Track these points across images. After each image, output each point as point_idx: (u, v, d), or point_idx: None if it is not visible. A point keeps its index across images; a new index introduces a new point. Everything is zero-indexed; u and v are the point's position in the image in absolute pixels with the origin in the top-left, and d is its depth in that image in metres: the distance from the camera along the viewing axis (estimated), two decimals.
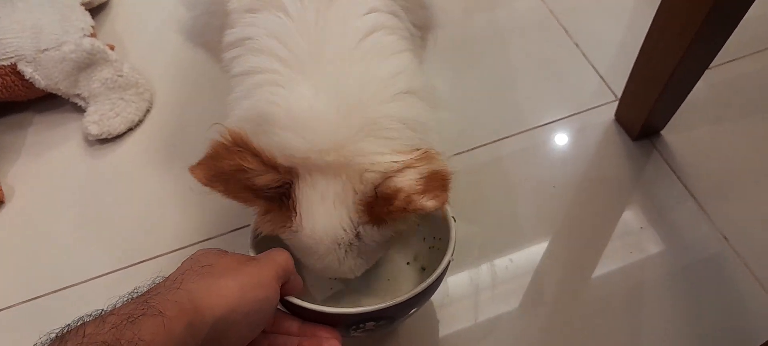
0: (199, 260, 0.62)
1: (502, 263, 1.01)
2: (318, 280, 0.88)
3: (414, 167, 0.64)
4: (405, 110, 0.69)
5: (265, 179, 0.66)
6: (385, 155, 0.66)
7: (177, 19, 0.86)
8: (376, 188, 0.65)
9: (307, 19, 0.68)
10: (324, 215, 0.68)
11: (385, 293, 0.88)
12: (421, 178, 0.63)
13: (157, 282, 0.59)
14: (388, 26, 0.72)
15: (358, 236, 0.69)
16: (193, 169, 0.65)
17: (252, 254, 0.77)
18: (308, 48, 0.68)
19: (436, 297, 0.95)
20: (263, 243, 0.79)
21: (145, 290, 0.57)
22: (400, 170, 0.64)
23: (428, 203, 0.62)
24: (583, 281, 1.00)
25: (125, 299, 0.56)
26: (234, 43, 0.73)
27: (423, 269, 0.90)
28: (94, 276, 1.01)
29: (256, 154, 0.64)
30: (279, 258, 0.66)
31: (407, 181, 0.63)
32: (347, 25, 0.69)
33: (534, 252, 1.03)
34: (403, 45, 0.74)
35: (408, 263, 0.92)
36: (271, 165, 0.65)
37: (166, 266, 1.00)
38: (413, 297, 0.72)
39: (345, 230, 0.68)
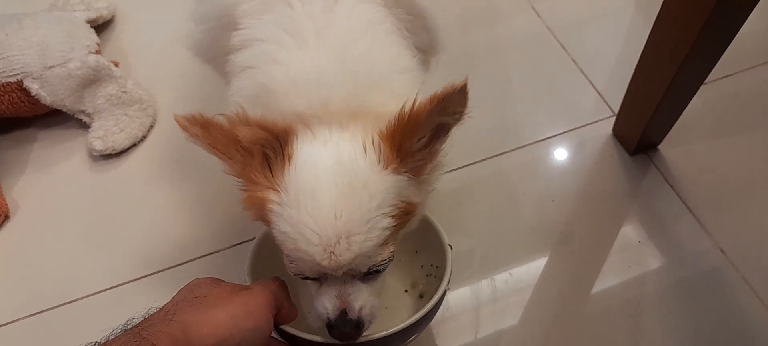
0: (192, 290, 0.63)
1: (502, 277, 1.02)
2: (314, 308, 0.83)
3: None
4: (410, 81, 0.69)
5: (249, 132, 0.62)
6: (395, 102, 0.62)
7: (185, 34, 0.87)
8: (398, 115, 0.61)
9: (313, 11, 0.70)
10: (325, 158, 0.62)
11: (383, 320, 0.86)
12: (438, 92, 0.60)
13: (150, 313, 0.60)
14: (392, 30, 0.74)
15: (364, 183, 0.61)
16: (177, 116, 0.62)
17: (248, 260, 0.77)
18: (313, 29, 0.68)
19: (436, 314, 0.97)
20: (259, 269, 0.80)
21: (139, 321, 0.58)
22: None
23: (456, 85, 0.59)
24: (583, 295, 1.01)
25: (118, 331, 0.58)
26: (240, 44, 0.73)
27: (421, 296, 0.90)
28: (98, 290, 1.02)
29: (248, 122, 0.62)
30: (272, 286, 0.66)
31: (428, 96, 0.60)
32: (352, 18, 0.71)
33: (534, 266, 1.04)
34: (404, 43, 0.75)
35: (406, 291, 0.92)
36: (260, 126, 0.62)
37: (170, 280, 1.02)
38: (410, 326, 0.71)
39: (350, 169, 0.61)
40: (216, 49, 0.81)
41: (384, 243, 0.63)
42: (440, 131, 0.65)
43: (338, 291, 0.66)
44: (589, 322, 0.98)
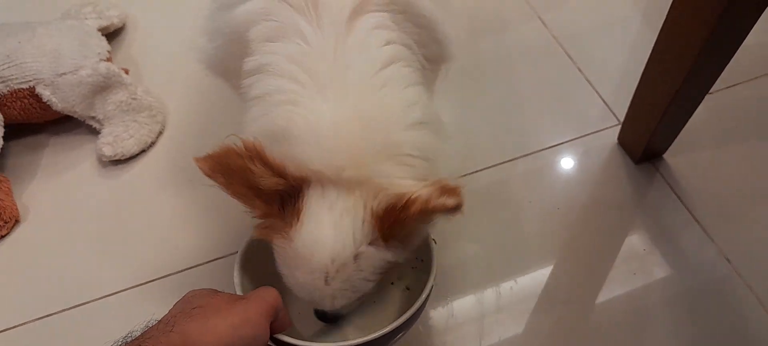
0: (190, 301, 0.64)
1: (507, 285, 1.02)
2: (305, 316, 0.87)
3: (428, 188, 0.66)
4: (420, 139, 0.71)
5: (269, 182, 0.66)
6: (403, 180, 0.68)
7: (196, 47, 0.88)
8: (392, 201, 0.66)
9: (326, 48, 0.69)
10: (327, 226, 0.67)
11: (372, 313, 0.89)
12: (436, 190, 0.65)
13: (150, 325, 0.61)
14: (404, 59, 0.74)
15: (355, 257, 0.68)
16: (197, 159, 0.66)
17: (236, 274, 0.80)
18: (328, 72, 0.69)
19: (439, 321, 0.98)
20: (249, 265, 0.83)
21: (139, 333, 0.60)
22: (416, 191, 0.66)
23: (448, 200, 0.63)
24: (588, 304, 1.01)
25: (120, 343, 0.59)
26: (253, 70, 0.74)
27: (407, 288, 0.93)
28: (107, 294, 1.03)
29: (266, 162, 0.65)
30: (268, 296, 0.68)
31: (424, 192, 0.64)
32: (366, 54, 0.71)
33: (539, 275, 1.04)
34: (417, 78, 0.76)
35: (392, 284, 0.94)
36: (279, 173, 0.66)
37: (178, 285, 1.03)
38: (398, 327, 0.74)
39: (344, 246, 0.67)
40: (227, 64, 0.83)
41: (367, 294, 0.73)
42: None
43: None
44: (594, 331, 0.98)
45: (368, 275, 0.70)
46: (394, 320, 0.74)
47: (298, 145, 0.67)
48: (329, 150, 0.67)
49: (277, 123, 0.69)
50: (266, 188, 0.67)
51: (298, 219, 0.68)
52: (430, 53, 0.81)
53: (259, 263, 0.82)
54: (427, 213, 0.64)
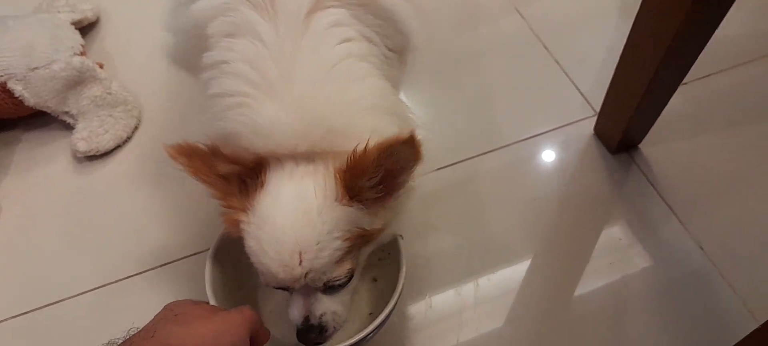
0: (172, 309, 0.66)
1: (485, 278, 1.03)
2: (284, 330, 0.87)
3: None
4: (372, 121, 0.72)
5: (226, 168, 0.71)
6: (359, 142, 0.68)
7: (163, 42, 0.88)
8: (351, 155, 0.67)
9: (280, 48, 0.71)
10: (289, 188, 0.70)
11: None
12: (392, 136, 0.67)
13: (131, 334, 0.61)
14: (359, 54, 0.75)
15: (319, 212, 0.69)
16: (166, 145, 0.71)
17: (208, 265, 0.84)
18: (279, 74, 0.70)
19: (418, 314, 0.99)
20: (222, 254, 0.86)
21: (121, 341, 0.60)
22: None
23: (402, 135, 0.65)
24: (567, 296, 1.02)
25: None
26: (211, 65, 0.76)
27: (374, 279, 0.94)
28: (83, 291, 1.02)
29: (223, 156, 0.71)
30: (247, 312, 0.70)
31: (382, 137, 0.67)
32: (319, 54, 0.72)
33: (518, 268, 1.05)
34: (372, 70, 0.77)
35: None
36: (235, 161, 0.71)
37: (155, 280, 1.02)
38: (371, 332, 0.77)
39: (307, 203, 0.69)
40: (190, 59, 0.84)
41: (338, 262, 0.72)
42: (397, 173, 0.72)
43: (303, 300, 0.76)
44: (573, 323, 0.99)
45: (333, 230, 0.70)
46: (365, 312, 0.76)
47: (248, 140, 0.71)
48: (275, 139, 0.70)
49: (229, 127, 0.72)
50: (224, 172, 0.71)
51: (262, 188, 0.71)
52: (393, 44, 0.82)
53: (230, 263, 0.85)
54: (384, 152, 0.65)
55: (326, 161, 0.71)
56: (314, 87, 0.71)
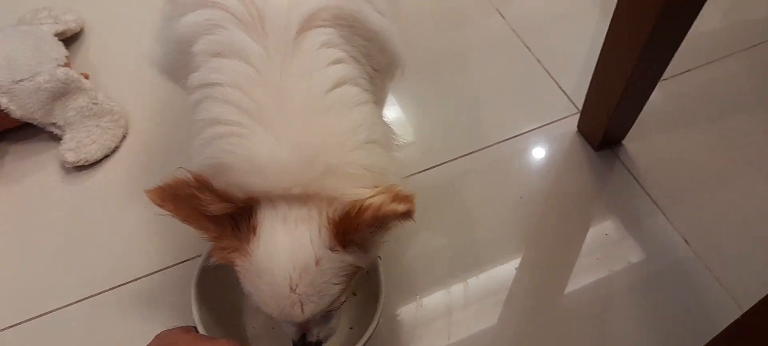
0: (163, 339, 0.67)
1: (473, 278, 1.04)
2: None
3: (381, 194, 0.67)
4: (366, 158, 0.71)
5: (217, 207, 0.68)
6: (355, 189, 0.69)
7: (150, 52, 0.87)
8: (347, 208, 0.67)
9: (271, 71, 0.69)
10: (284, 235, 0.68)
11: None
12: (388, 196, 0.66)
13: None
14: (351, 78, 0.73)
15: (316, 262, 0.69)
16: (148, 191, 0.67)
17: (193, 290, 0.83)
18: (272, 101, 0.68)
19: (407, 316, 1.00)
20: (208, 276, 0.85)
21: None
22: (369, 197, 0.67)
23: (399, 206, 0.65)
24: (555, 294, 1.03)
25: None
26: (198, 86, 0.73)
27: (354, 293, 0.95)
28: (71, 302, 1.02)
29: (213, 191, 0.67)
30: (234, 342, 0.71)
31: (377, 199, 0.66)
32: (311, 78, 0.70)
33: (505, 267, 1.06)
34: (365, 96, 0.75)
35: None
36: (226, 198, 0.68)
37: (143, 291, 1.02)
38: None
39: (303, 251, 0.68)
40: (177, 71, 0.82)
41: (335, 299, 0.73)
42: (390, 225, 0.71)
43: (299, 326, 0.77)
44: (563, 319, 1.00)
45: (331, 279, 0.70)
46: (346, 327, 0.79)
47: (242, 175, 0.68)
48: (271, 178, 0.68)
49: (221, 157, 0.69)
50: (215, 212, 0.68)
51: (254, 234, 0.69)
52: (378, 64, 0.81)
53: (215, 296, 0.86)
54: (379, 219, 0.66)
55: (319, 206, 0.69)
56: (309, 118, 0.69)
